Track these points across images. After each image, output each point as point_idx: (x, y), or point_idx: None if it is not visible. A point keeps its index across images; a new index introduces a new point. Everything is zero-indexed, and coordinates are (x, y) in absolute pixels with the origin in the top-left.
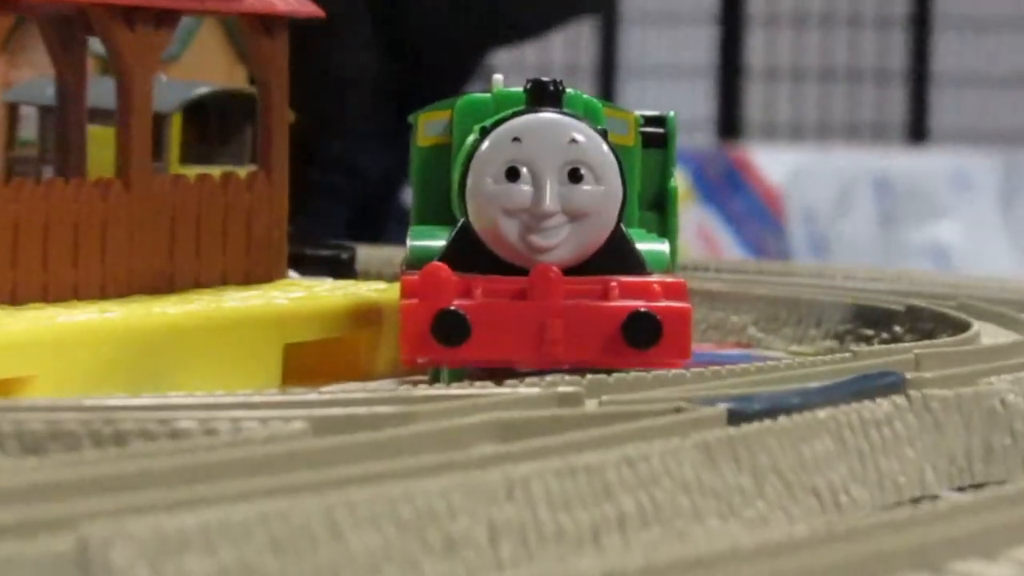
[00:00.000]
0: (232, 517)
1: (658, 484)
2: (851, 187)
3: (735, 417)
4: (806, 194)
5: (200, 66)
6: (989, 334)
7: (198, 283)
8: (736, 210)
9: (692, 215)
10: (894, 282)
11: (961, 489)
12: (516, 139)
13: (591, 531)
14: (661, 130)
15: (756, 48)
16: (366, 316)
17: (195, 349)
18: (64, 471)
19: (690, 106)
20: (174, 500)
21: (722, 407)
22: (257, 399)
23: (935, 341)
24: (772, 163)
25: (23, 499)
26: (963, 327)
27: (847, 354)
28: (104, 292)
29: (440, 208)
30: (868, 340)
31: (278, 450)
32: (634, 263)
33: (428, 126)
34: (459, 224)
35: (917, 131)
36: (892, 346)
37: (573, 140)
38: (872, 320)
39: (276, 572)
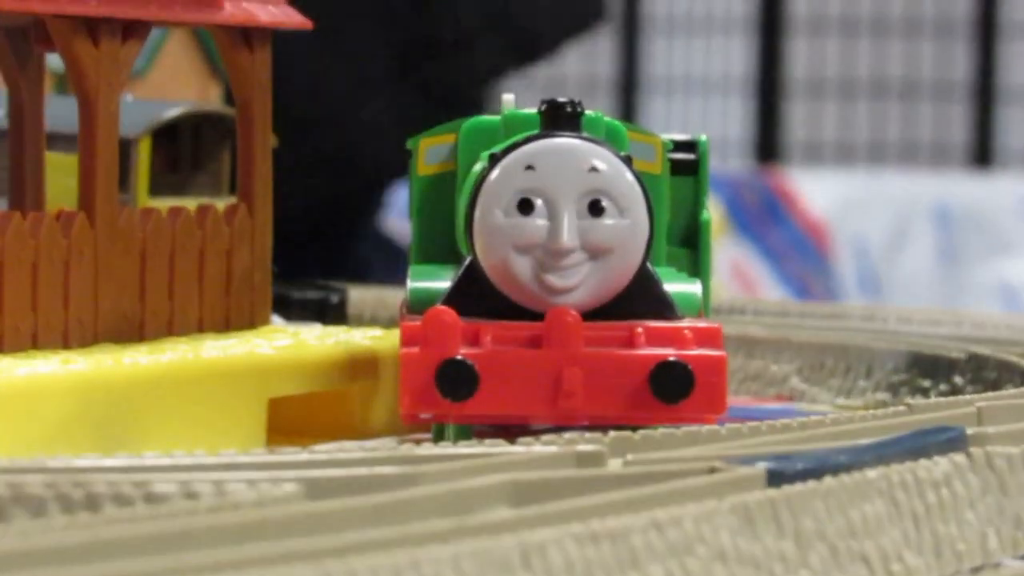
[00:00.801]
0: None
1: (691, 552)
2: (907, 218)
3: (776, 478)
4: (856, 226)
5: (170, 84)
6: None
7: (172, 330)
8: (776, 244)
9: (727, 250)
10: (955, 326)
11: None
12: (529, 167)
13: None
14: (692, 156)
15: (799, 60)
16: (360, 367)
17: (169, 404)
18: (30, 539)
19: (724, 126)
20: (154, 570)
21: (761, 467)
22: (242, 459)
23: (1000, 393)
24: (817, 190)
25: None
26: None
27: (901, 407)
28: (67, 340)
29: (443, 244)
30: (925, 392)
31: (268, 515)
32: (662, 306)
33: (430, 152)
34: (465, 262)
35: (982, 154)
36: (952, 399)
37: (593, 168)
38: (930, 369)
39: None
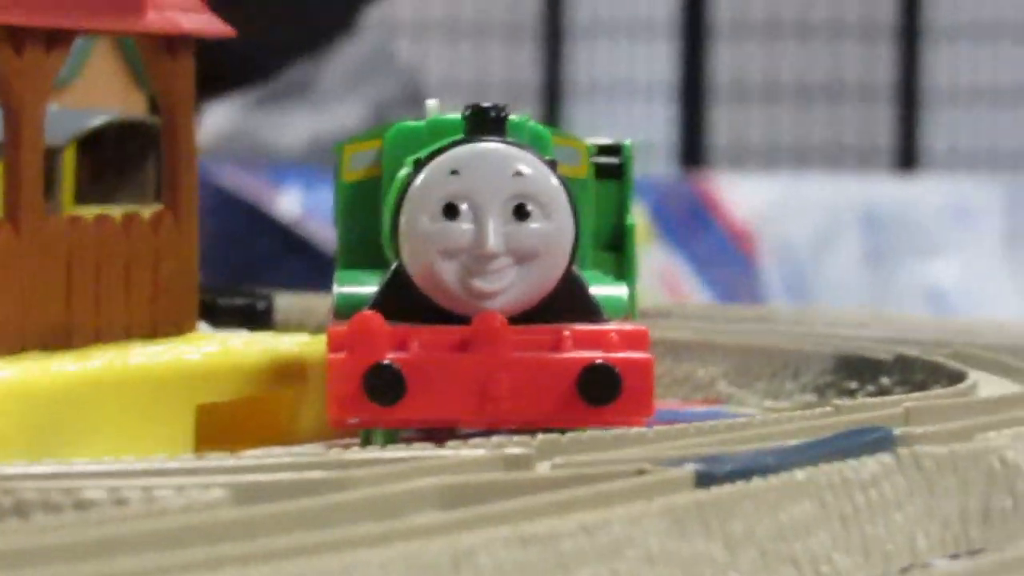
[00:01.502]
0: None
1: (620, 554)
2: (834, 221)
3: (704, 479)
4: (782, 230)
5: (94, 93)
6: (988, 385)
7: (99, 337)
8: (702, 250)
9: (653, 256)
10: (882, 328)
11: (955, 556)
12: (454, 172)
13: None
14: (617, 160)
15: (722, 64)
16: (288, 372)
17: (98, 411)
18: None
19: (648, 131)
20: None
21: (690, 468)
22: (171, 465)
23: (927, 393)
24: (742, 195)
25: None
26: (959, 378)
27: (828, 408)
28: None
29: (369, 250)
30: (852, 393)
31: (196, 521)
32: (589, 309)
33: (354, 158)
34: (392, 268)
35: (907, 156)
36: (879, 399)
37: (518, 172)
38: (857, 371)
39: None
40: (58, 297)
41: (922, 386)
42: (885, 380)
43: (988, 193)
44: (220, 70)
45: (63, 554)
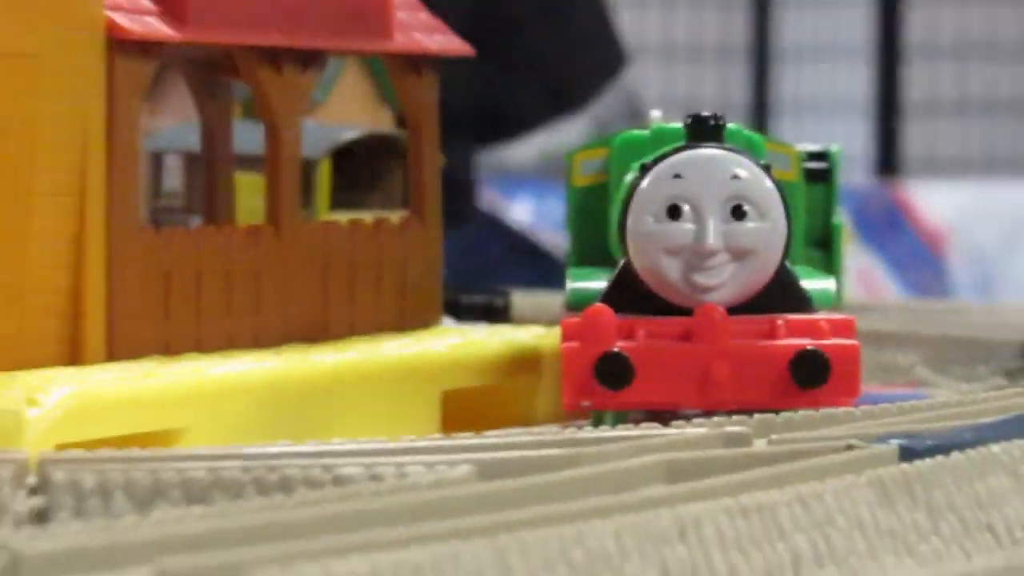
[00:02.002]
0: (403, 560)
1: (832, 523)
2: (1019, 224)
3: (908, 454)
4: (971, 233)
5: (345, 110)
6: None
7: (353, 331)
8: (897, 252)
9: (853, 258)
10: None
11: None
12: (677, 175)
13: (765, 572)
14: (824, 165)
15: (915, 81)
16: (524, 362)
17: (352, 398)
18: (230, 519)
19: (847, 143)
20: (343, 545)
21: (894, 444)
22: (421, 444)
23: None
24: (934, 201)
25: (191, 548)
26: None
27: (1019, 389)
28: (258, 341)
29: (598, 249)
30: None
31: (445, 495)
32: (800, 301)
33: (584, 164)
34: (619, 265)
35: None
36: None
37: (736, 176)
38: None
39: None
40: (315, 294)
41: None
42: None
43: None
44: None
45: (324, 526)
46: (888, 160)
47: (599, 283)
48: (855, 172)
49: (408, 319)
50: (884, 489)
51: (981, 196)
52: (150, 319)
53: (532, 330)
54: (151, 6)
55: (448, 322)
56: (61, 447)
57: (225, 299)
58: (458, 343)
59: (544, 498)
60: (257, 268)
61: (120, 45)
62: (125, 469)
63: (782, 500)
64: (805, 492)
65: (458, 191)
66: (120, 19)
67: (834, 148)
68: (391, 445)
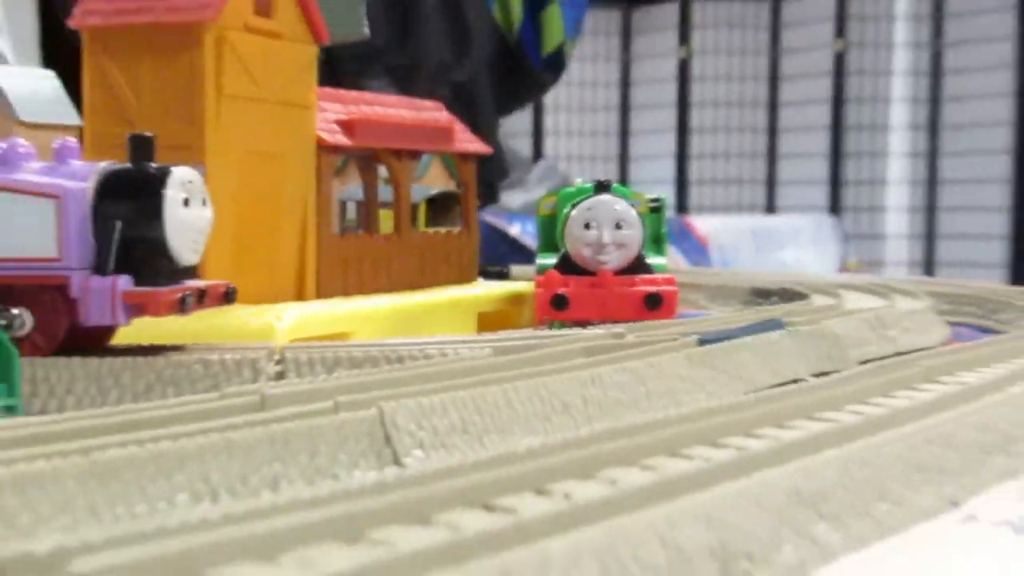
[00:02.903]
0: (457, 397)
1: (665, 375)
2: (742, 236)
3: (703, 341)
4: (720, 239)
5: (433, 179)
6: (820, 301)
7: (434, 284)
8: (686, 247)
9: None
10: (770, 278)
11: (816, 376)
12: (589, 208)
13: (635, 400)
14: (658, 204)
15: (696, 162)
16: (517, 298)
17: (434, 316)
18: (370, 376)
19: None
20: (431, 388)
21: (695, 338)
22: (465, 338)
23: (795, 305)
24: (701, 224)
25: (359, 390)
26: (805, 296)
27: (752, 311)
28: (389, 289)
29: (551, 244)
30: (760, 304)
31: (478, 364)
32: (648, 268)
33: (545, 204)
34: (562, 252)
35: (771, 207)
36: (773, 307)
37: (616, 209)
38: (762, 295)
39: (480, 425)
40: (416, 266)
41: (791, 300)
42: (775, 299)
43: (806, 221)
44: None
45: (419, 379)
46: (681, 204)
47: (552, 260)
48: (670, 210)
49: (462, 278)
50: (690, 359)
51: (723, 222)
52: (337, 279)
53: (521, 283)
54: (337, 128)
55: (481, 280)
56: (292, 341)
57: (373, 269)
58: (485, 289)
59: (527, 365)
60: (389, 254)
61: (323, 147)
62: (321, 351)
63: (641, 364)
64: (652, 360)
65: (495, 166)
66: (323, 135)
67: (663, 196)
68: (451, 338)
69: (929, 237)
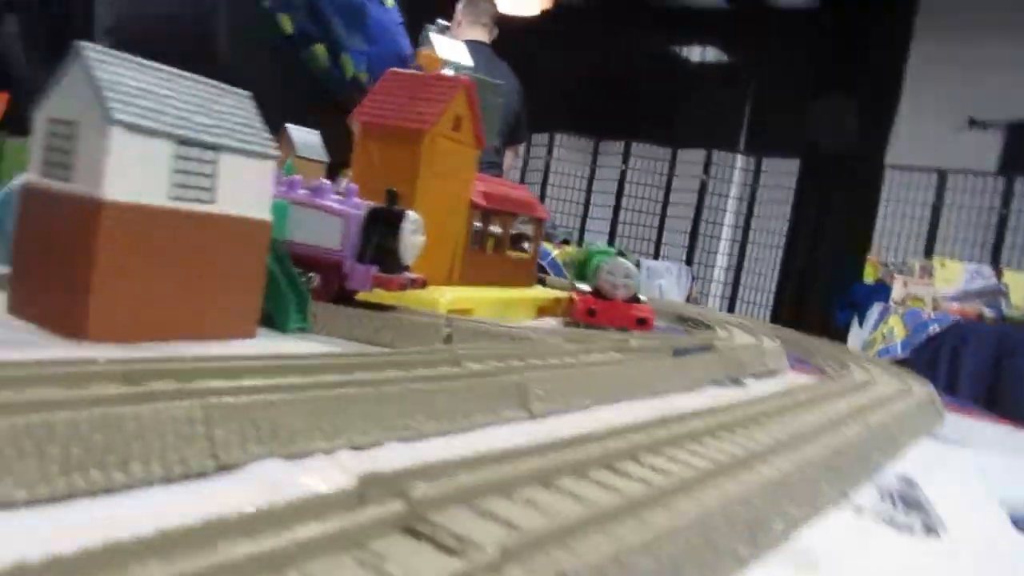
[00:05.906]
0: (513, 348)
1: (653, 370)
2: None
3: (676, 353)
4: (656, 277)
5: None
6: (720, 332)
7: (513, 285)
8: None
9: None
10: (682, 310)
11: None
12: (613, 265)
13: (588, 377)
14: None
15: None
16: (557, 300)
17: (516, 304)
18: (496, 348)
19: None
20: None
21: (671, 347)
22: (527, 324)
23: (709, 332)
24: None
25: (483, 359)
26: (711, 327)
27: (690, 335)
28: (488, 283)
29: (582, 276)
30: (689, 329)
31: (534, 336)
32: (639, 300)
33: (578, 252)
34: (594, 285)
35: (656, 255)
36: (703, 332)
37: (627, 267)
38: (683, 320)
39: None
40: (505, 273)
41: (705, 328)
42: (691, 324)
43: (664, 264)
44: None
45: (494, 352)
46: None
47: (587, 287)
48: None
49: (528, 283)
50: (670, 362)
51: (655, 263)
52: (471, 273)
53: (556, 291)
54: (480, 196)
55: (538, 287)
56: (450, 312)
57: (484, 272)
58: (540, 292)
59: (559, 337)
60: (492, 263)
61: (473, 205)
62: (473, 324)
63: (643, 362)
64: (651, 361)
65: None
66: (474, 199)
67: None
68: (523, 324)
69: (734, 284)
